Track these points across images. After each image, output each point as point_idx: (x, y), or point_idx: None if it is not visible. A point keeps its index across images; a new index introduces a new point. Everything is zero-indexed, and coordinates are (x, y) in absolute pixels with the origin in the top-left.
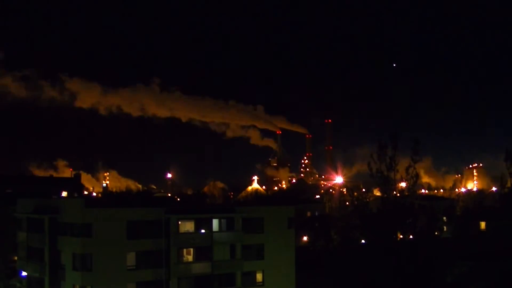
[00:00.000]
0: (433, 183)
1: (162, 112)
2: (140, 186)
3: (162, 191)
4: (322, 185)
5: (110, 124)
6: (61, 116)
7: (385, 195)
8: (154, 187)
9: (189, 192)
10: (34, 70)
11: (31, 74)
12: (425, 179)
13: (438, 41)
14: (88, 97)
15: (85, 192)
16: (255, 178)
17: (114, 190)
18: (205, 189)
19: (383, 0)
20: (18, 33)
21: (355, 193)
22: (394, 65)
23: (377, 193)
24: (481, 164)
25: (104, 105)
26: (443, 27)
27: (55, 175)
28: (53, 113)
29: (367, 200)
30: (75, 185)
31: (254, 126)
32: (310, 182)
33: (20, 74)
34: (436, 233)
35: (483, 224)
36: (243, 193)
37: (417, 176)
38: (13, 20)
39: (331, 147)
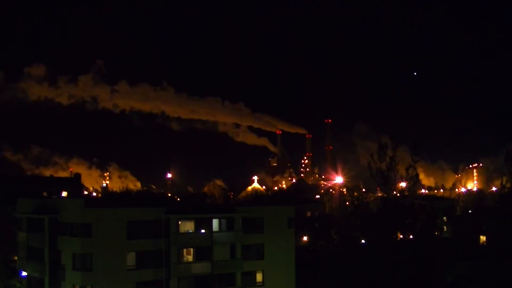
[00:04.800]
0: (432, 182)
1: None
2: (139, 185)
3: (162, 191)
4: (322, 185)
5: (108, 123)
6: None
7: (385, 195)
8: (154, 187)
9: (191, 188)
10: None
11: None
12: (426, 181)
13: (439, 40)
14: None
15: (85, 192)
16: (255, 178)
17: (114, 189)
18: (205, 189)
19: (383, 1)
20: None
21: (355, 193)
22: (415, 73)
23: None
24: (481, 164)
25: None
26: (442, 27)
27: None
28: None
29: (367, 200)
30: (75, 185)
31: (254, 127)
32: (310, 182)
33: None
34: (436, 233)
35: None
36: (243, 193)
37: (417, 176)
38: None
39: (331, 147)
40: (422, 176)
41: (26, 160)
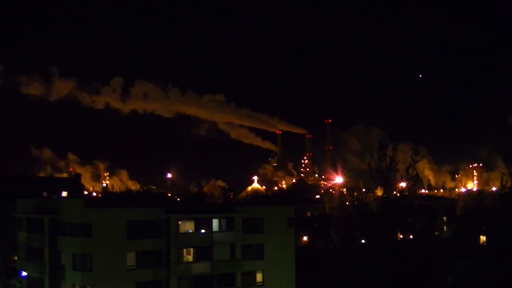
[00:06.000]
0: (433, 181)
1: (163, 112)
2: (138, 186)
3: (161, 190)
4: (322, 185)
5: (109, 123)
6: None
7: (385, 195)
8: (154, 187)
9: (193, 188)
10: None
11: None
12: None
13: (438, 36)
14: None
15: (85, 192)
16: (255, 178)
17: (114, 190)
18: (205, 189)
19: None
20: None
21: (355, 193)
22: (420, 75)
23: (379, 193)
24: (481, 164)
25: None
26: (441, 23)
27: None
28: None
29: (367, 200)
30: (75, 185)
31: (254, 127)
32: (310, 182)
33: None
34: (436, 233)
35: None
36: (243, 193)
37: (417, 176)
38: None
39: (331, 147)
40: (427, 172)
41: (28, 160)
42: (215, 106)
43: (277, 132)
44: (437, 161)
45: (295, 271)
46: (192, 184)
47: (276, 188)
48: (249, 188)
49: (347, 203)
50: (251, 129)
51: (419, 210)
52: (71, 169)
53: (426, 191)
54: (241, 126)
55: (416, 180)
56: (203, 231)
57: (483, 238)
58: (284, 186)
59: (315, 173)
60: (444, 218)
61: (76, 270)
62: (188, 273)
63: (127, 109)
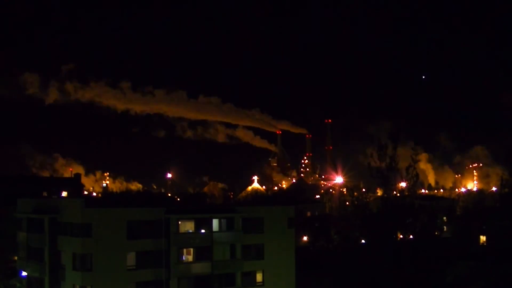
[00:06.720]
0: (432, 181)
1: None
2: (139, 186)
3: (162, 190)
4: (322, 185)
5: (110, 123)
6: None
7: (385, 195)
8: (155, 187)
9: (193, 188)
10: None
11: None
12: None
13: (438, 33)
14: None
15: (85, 192)
16: (255, 178)
17: (114, 190)
18: (205, 189)
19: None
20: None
21: (355, 193)
22: (423, 77)
23: (379, 192)
24: (481, 164)
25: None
26: (440, 21)
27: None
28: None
29: (367, 200)
30: (75, 185)
31: (254, 128)
32: (310, 182)
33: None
34: (436, 233)
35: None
36: (243, 193)
37: (417, 176)
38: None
39: (331, 147)
40: (429, 172)
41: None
42: (215, 107)
43: (277, 132)
44: (438, 161)
45: (295, 271)
46: (191, 185)
47: (276, 188)
48: (249, 188)
49: (347, 203)
50: (251, 129)
51: (419, 210)
52: (71, 169)
53: (426, 191)
54: (241, 126)
55: (416, 180)
56: (203, 231)
57: (483, 238)
58: (284, 186)
59: (316, 173)
60: (444, 218)
61: (76, 270)
62: (188, 273)
63: (128, 110)
